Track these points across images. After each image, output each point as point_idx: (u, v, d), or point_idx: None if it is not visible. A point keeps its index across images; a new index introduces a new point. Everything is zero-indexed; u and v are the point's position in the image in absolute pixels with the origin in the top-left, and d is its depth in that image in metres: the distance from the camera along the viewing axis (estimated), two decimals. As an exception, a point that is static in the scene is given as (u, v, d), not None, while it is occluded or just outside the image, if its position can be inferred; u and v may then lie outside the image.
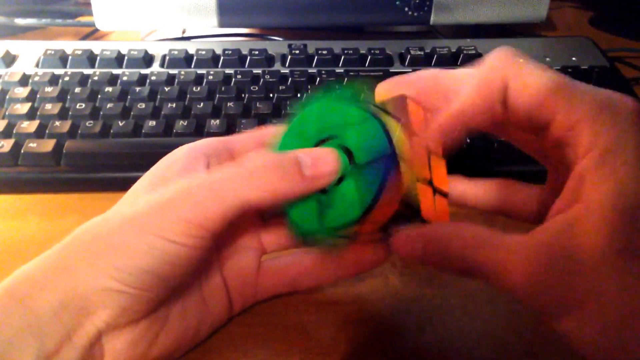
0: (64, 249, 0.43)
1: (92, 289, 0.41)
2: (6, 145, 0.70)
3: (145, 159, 0.68)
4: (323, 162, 0.45)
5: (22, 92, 0.79)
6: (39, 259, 0.43)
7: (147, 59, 0.87)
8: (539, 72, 0.41)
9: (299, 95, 0.79)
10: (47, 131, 0.72)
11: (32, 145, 0.70)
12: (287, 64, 0.87)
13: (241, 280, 0.52)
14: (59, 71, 0.84)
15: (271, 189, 0.43)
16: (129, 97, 0.79)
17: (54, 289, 0.41)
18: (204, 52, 0.87)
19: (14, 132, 0.72)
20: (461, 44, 0.90)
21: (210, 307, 0.50)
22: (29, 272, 0.42)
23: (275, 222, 0.54)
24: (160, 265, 0.42)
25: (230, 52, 0.87)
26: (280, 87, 0.80)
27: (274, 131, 0.50)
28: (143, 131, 0.73)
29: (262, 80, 0.82)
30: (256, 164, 0.44)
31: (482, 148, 0.70)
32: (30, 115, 0.75)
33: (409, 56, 0.87)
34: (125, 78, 0.82)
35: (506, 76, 0.42)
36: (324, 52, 0.87)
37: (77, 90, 0.79)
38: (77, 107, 0.76)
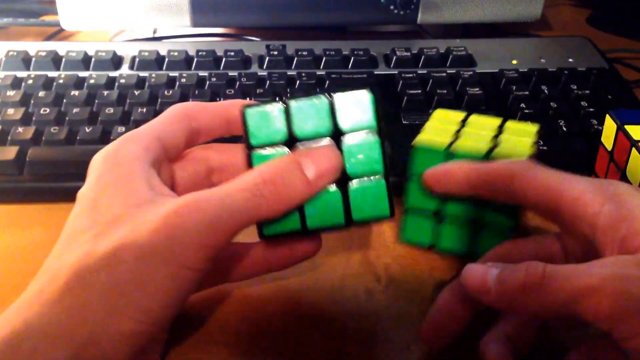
0: (72, 292, 0.41)
1: (110, 335, 0.40)
2: (-35, 152, 0.70)
3: (114, 167, 0.69)
4: (325, 160, 0.47)
5: (-18, 96, 0.79)
6: (37, 303, 0.41)
7: (116, 61, 0.88)
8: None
9: (277, 98, 0.80)
10: (9, 138, 0.73)
11: (-7, 152, 0.70)
12: (264, 66, 0.88)
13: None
14: (21, 74, 0.84)
15: (281, 202, 0.45)
16: (96, 101, 0.79)
17: (66, 341, 0.39)
18: (176, 54, 0.88)
19: (-27, 138, 0.73)
20: (450, 45, 0.91)
21: None
22: (31, 322, 0.40)
23: None
24: (181, 295, 0.42)
25: (204, 53, 0.88)
26: (258, 91, 0.81)
27: (199, 112, 0.52)
28: (111, 137, 0.73)
29: (238, 83, 0.83)
30: (261, 177, 0.44)
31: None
32: (-9, 121, 0.76)
33: (394, 57, 0.88)
34: (92, 81, 0.83)
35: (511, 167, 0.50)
36: (304, 53, 0.88)
37: (41, 94, 0.79)
38: (41, 112, 0.76)
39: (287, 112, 0.48)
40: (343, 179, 0.49)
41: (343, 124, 0.48)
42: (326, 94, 0.48)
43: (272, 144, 0.48)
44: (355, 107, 0.48)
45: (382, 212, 0.50)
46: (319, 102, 0.48)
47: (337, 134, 0.49)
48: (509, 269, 0.43)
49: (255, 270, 0.53)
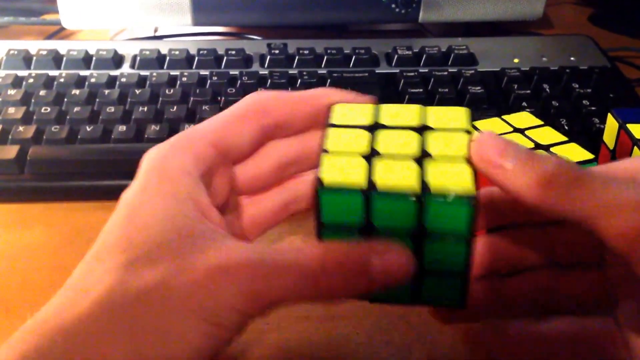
0: (94, 325, 0.37)
1: None
2: (-35, 151, 0.70)
3: (115, 166, 0.69)
4: (395, 267, 0.40)
5: (-17, 95, 0.79)
6: (52, 329, 0.37)
7: (117, 60, 0.88)
8: None
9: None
10: (9, 137, 0.73)
11: (-6, 151, 0.71)
12: (266, 65, 0.88)
13: None
14: (22, 72, 0.84)
15: (336, 296, 0.40)
16: (97, 100, 0.79)
17: None
18: (177, 52, 0.88)
19: (-26, 137, 0.73)
20: (452, 43, 0.91)
21: None
22: (43, 350, 0.36)
23: None
24: (209, 352, 0.38)
25: (205, 52, 0.88)
26: (259, 90, 0.80)
27: (276, 105, 0.46)
28: (112, 136, 0.73)
29: (239, 82, 0.83)
30: (321, 267, 0.39)
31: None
32: (-8, 120, 0.76)
33: (396, 56, 0.88)
34: (93, 80, 0.83)
35: None
36: (306, 52, 0.88)
37: (42, 93, 0.80)
38: (42, 111, 0.76)
39: (368, 201, 0.40)
40: (419, 268, 0.41)
41: (430, 227, 0.40)
42: (415, 194, 0.39)
43: (344, 227, 0.42)
44: (449, 214, 0.40)
45: (453, 302, 0.44)
46: (406, 201, 0.40)
47: (420, 231, 0.41)
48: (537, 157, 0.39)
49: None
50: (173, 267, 0.38)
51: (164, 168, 0.43)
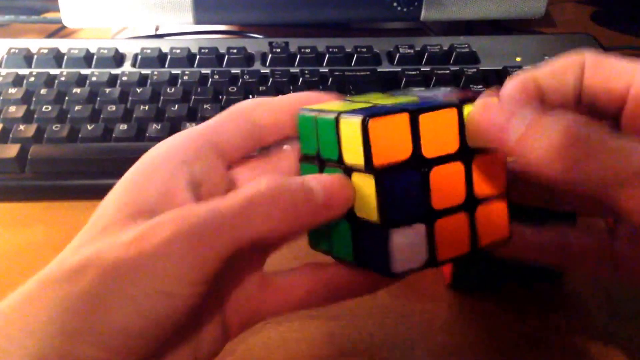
0: (26, 305, 0.36)
1: None
2: (-34, 150, 0.70)
3: (116, 165, 0.68)
4: (336, 188, 0.39)
5: (-16, 93, 0.79)
6: None
7: (118, 58, 0.87)
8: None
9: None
10: (10, 135, 0.73)
11: (-5, 150, 0.70)
12: (267, 63, 0.88)
13: (239, 305, 0.45)
14: (23, 71, 0.84)
15: (277, 223, 0.38)
16: (98, 98, 0.79)
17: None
18: (178, 51, 0.87)
19: (-25, 136, 0.73)
20: (454, 42, 0.91)
21: (205, 342, 0.43)
22: None
23: None
24: (153, 323, 0.35)
25: (206, 50, 0.88)
26: (261, 88, 0.81)
27: (262, 117, 0.45)
28: (113, 135, 0.73)
29: (240, 80, 0.83)
30: (258, 194, 0.37)
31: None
32: (-8, 118, 0.76)
33: (398, 54, 0.88)
34: (94, 78, 0.83)
35: (584, 56, 0.43)
36: (307, 50, 0.88)
37: (43, 91, 0.79)
38: (43, 109, 0.76)
39: (316, 125, 0.41)
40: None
41: (345, 157, 0.39)
42: (337, 114, 0.39)
43: (310, 157, 0.42)
44: (351, 138, 0.38)
45: (347, 256, 0.41)
46: (330, 122, 0.40)
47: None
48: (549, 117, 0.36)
49: (334, 297, 0.45)
50: (113, 238, 0.37)
51: (148, 155, 0.43)
